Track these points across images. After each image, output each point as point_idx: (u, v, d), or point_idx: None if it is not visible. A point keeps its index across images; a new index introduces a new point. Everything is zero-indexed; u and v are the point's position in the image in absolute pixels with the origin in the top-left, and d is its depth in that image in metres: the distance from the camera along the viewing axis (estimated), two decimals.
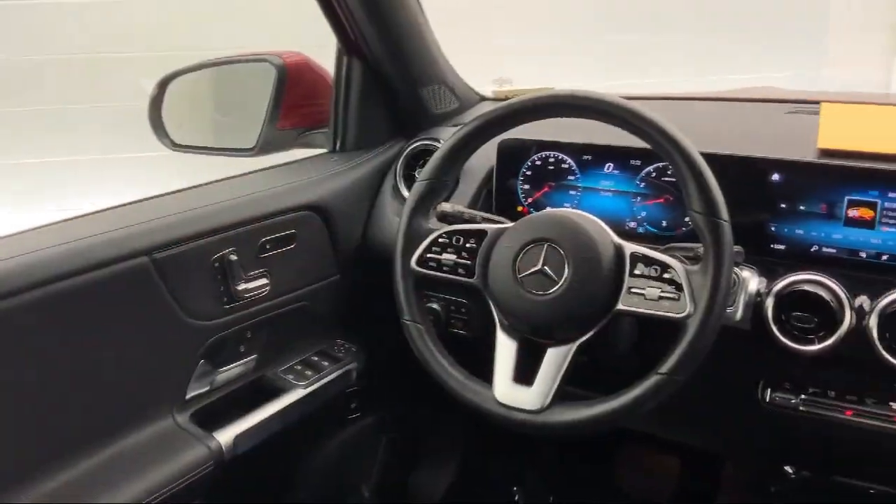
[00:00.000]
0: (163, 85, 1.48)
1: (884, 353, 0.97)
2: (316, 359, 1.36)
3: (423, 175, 1.08)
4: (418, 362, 1.07)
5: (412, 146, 1.42)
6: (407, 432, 1.69)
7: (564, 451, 1.76)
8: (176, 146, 1.49)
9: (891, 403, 1.06)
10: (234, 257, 1.16)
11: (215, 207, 1.18)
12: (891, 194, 1.02)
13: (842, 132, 1.19)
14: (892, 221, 1.03)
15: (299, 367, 1.33)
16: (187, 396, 1.17)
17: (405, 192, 1.38)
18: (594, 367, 1.10)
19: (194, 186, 1.27)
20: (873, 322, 0.98)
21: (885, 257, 1.04)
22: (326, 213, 1.32)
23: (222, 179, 1.32)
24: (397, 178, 1.41)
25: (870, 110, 1.31)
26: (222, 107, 1.66)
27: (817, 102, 1.32)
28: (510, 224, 1.05)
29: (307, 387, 1.28)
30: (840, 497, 1.29)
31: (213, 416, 1.19)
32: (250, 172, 1.37)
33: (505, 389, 0.98)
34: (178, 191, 1.25)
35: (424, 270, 1.07)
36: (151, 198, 1.21)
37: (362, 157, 1.42)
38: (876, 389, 1.07)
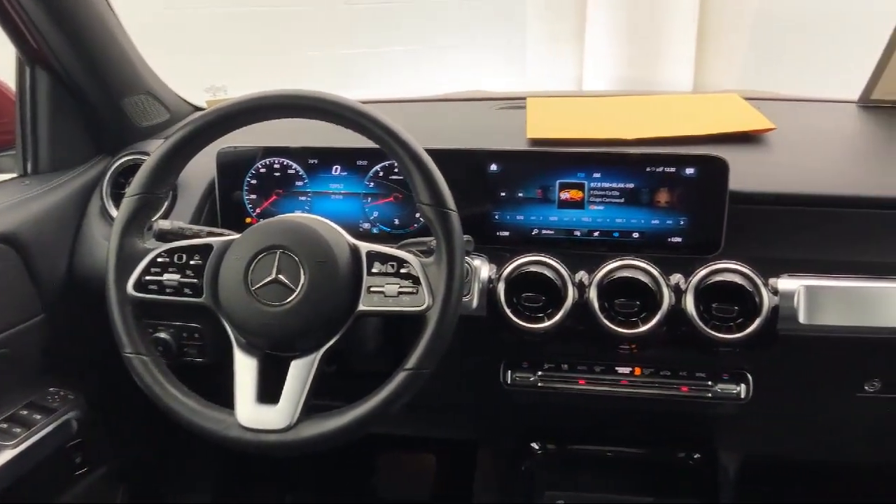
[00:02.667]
0: None
1: (605, 321, 1.05)
2: (25, 413, 1.17)
3: (131, 190, 0.97)
4: (148, 399, 0.96)
5: (118, 162, 1.28)
6: (148, 478, 1.54)
7: (322, 466, 1.71)
8: None
9: (616, 368, 1.15)
10: None
11: None
12: (595, 175, 1.10)
13: (547, 123, 1.28)
14: (598, 200, 1.11)
15: (4, 425, 1.14)
16: None
17: (114, 213, 1.24)
18: (345, 374, 1.07)
19: None
20: (593, 294, 1.05)
21: (596, 233, 1.12)
22: (21, 245, 1.15)
23: None
24: (104, 199, 1.27)
25: (569, 102, 1.43)
26: None
27: (523, 98, 1.41)
28: (237, 236, 0.98)
29: (16, 447, 1.10)
30: (583, 464, 1.38)
31: None
32: None
33: (249, 412, 0.91)
34: None
35: (144, 295, 0.96)
36: None
37: (60, 179, 1.26)
38: (603, 357, 1.15)
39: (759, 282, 1.01)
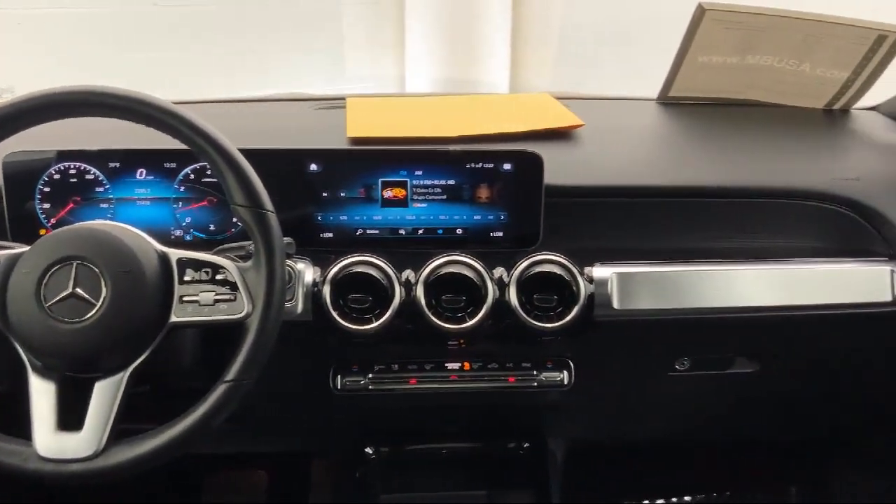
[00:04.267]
0: None
1: (432, 318, 1.04)
2: None
3: None
4: None
5: None
6: None
7: (143, 492, 1.60)
8: None
9: (446, 365, 1.16)
10: None
11: None
12: (416, 172, 1.10)
13: (367, 122, 1.26)
14: (421, 198, 1.11)
15: None
16: None
17: None
18: (161, 393, 1.00)
19: None
20: (420, 292, 1.04)
21: (420, 231, 1.11)
22: None
23: None
24: None
25: (389, 102, 1.42)
26: None
27: (343, 98, 1.38)
28: (27, 248, 0.88)
29: None
30: (418, 464, 1.38)
31: None
32: None
33: (48, 441, 0.83)
34: None
35: None
36: None
37: None
38: (433, 355, 1.16)
39: (575, 271, 1.05)
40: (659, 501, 1.64)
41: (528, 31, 2.93)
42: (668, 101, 1.41)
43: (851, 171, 1.17)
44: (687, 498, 1.64)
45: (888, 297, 1.11)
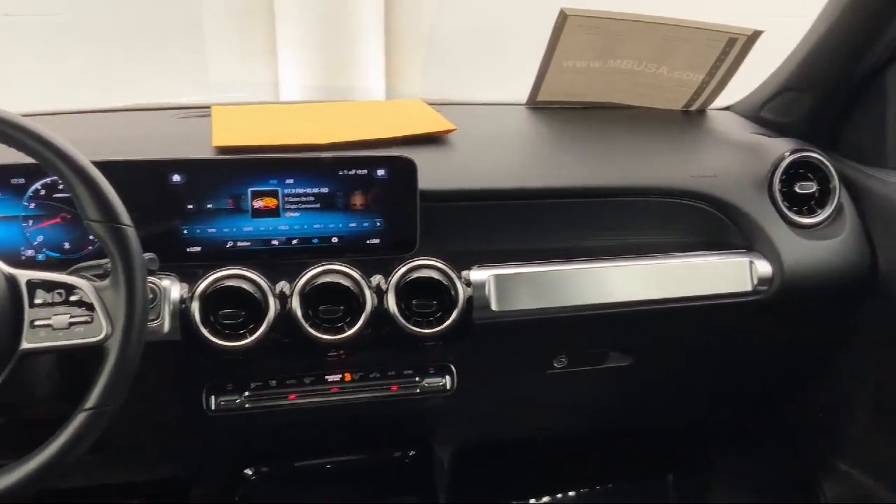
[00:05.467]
0: None
1: (310, 330, 1.01)
2: None
3: None
4: None
5: None
6: None
7: None
8: None
9: (326, 377, 1.13)
10: None
11: None
12: (288, 181, 1.07)
13: (235, 130, 1.22)
14: (293, 207, 1.08)
15: None
16: None
17: None
18: (15, 425, 0.93)
19: None
20: (296, 303, 1.01)
21: (294, 241, 1.08)
22: None
23: None
24: None
25: (258, 109, 1.38)
26: None
27: (208, 107, 1.33)
28: None
29: None
30: (302, 481, 1.34)
31: None
32: None
33: None
34: None
35: None
36: None
37: None
38: (312, 368, 1.13)
39: (453, 275, 1.05)
40: (545, 499, 1.66)
41: (403, 38, 2.94)
42: (536, 105, 1.44)
43: (709, 168, 1.23)
44: (571, 493, 1.68)
45: (748, 287, 1.17)
